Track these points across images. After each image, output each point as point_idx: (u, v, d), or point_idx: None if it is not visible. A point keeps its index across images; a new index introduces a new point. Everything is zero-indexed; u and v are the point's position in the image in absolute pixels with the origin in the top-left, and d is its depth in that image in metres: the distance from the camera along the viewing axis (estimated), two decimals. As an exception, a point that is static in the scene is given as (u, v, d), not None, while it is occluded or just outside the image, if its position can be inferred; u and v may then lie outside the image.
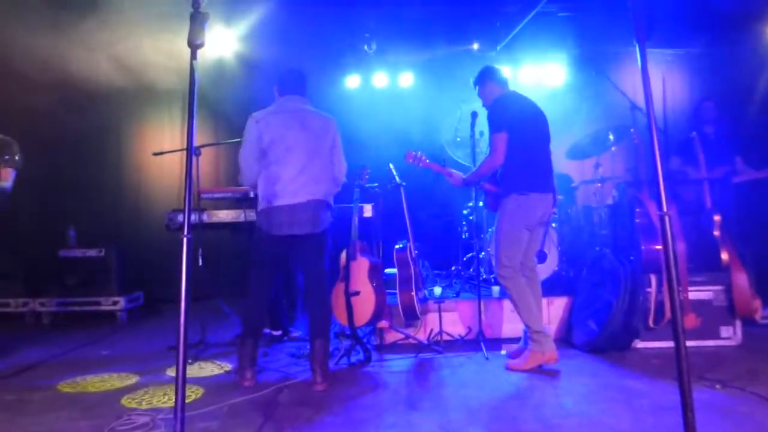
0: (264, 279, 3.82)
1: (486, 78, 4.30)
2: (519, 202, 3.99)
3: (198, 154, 4.67)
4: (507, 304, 4.85)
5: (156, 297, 6.70)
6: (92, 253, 6.11)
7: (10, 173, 4.21)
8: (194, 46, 2.01)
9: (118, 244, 6.27)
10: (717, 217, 4.64)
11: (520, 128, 4.01)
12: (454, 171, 4.35)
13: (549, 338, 3.94)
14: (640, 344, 4.39)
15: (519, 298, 3.98)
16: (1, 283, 6.02)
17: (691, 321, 4.29)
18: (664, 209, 1.76)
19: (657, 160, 1.80)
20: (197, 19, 2.03)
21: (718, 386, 3.40)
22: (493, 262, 4.50)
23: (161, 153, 5.13)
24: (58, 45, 5.51)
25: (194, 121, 1.99)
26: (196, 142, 4.14)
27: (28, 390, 3.67)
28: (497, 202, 4.15)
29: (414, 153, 4.34)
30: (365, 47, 6.72)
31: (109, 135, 7.15)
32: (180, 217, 4.86)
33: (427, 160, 4.34)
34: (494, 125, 4.03)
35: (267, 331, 4.78)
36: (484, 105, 4.34)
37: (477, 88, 4.37)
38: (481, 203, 5.02)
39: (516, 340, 4.43)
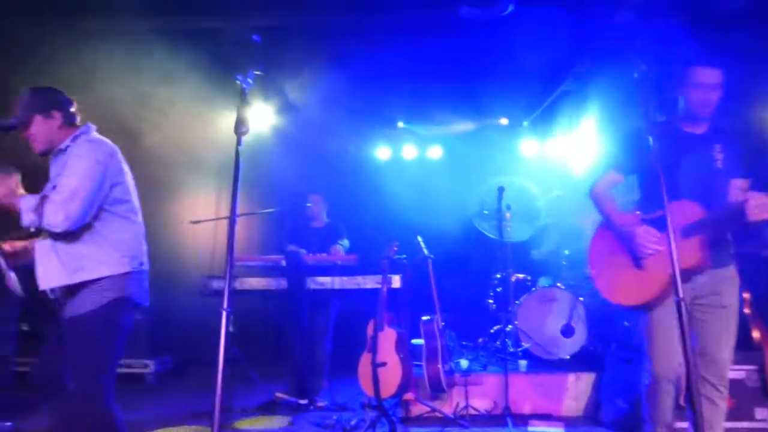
0: None
1: None
2: None
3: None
4: (533, 378, 4.82)
5: (185, 360, 6.76)
6: (125, 315, 6.22)
7: None
8: (240, 133, 2.18)
9: (149, 307, 6.38)
10: (746, 294, 4.59)
11: None
12: None
13: None
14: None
15: None
16: (35, 344, 6.14)
17: (722, 401, 4.20)
18: (680, 294, 1.82)
19: (672, 248, 1.87)
20: (243, 110, 2.19)
21: (751, 472, 3.31)
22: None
23: (198, 222, 5.31)
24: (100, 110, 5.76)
25: (236, 204, 2.12)
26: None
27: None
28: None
29: None
30: (398, 124, 7.00)
31: (146, 201, 7.38)
32: (215, 283, 5.00)
33: None
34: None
35: (293, 399, 4.81)
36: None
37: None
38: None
39: (543, 416, 4.36)
